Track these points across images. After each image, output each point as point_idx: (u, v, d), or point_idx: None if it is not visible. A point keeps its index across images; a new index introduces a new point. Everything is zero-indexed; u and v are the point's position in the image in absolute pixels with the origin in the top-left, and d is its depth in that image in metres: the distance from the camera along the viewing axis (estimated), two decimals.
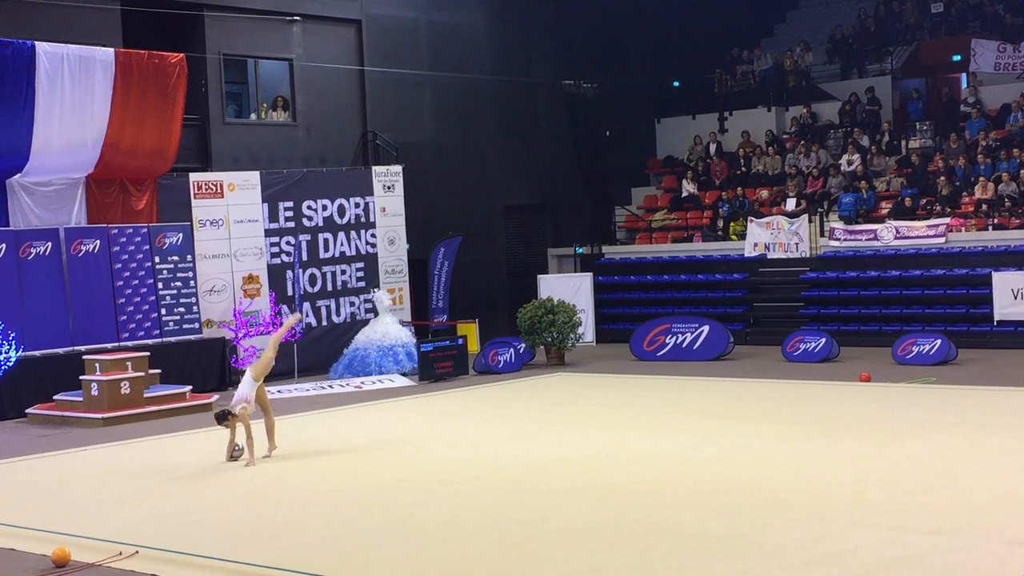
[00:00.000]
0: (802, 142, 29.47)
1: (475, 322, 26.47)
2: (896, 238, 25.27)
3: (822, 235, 26.47)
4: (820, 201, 27.31)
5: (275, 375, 22.72)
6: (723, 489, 11.82)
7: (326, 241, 24.75)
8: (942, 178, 26.10)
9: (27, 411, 19.38)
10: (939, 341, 21.32)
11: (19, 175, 20.37)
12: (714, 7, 33.14)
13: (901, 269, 24.82)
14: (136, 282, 21.53)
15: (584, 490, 12.14)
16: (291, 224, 24.13)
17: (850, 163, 27.92)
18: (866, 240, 25.69)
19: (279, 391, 21.31)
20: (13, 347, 18.65)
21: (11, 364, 18.63)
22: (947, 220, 24.92)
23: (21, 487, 13.91)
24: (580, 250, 29.99)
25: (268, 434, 14.85)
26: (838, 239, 26.03)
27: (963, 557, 9.11)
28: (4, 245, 19.95)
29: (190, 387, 20.02)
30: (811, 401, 17.70)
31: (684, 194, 30.30)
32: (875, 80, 30.38)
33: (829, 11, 35.09)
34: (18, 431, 18.39)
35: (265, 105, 25.70)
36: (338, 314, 24.87)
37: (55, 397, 19.44)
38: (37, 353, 19.96)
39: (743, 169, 30.19)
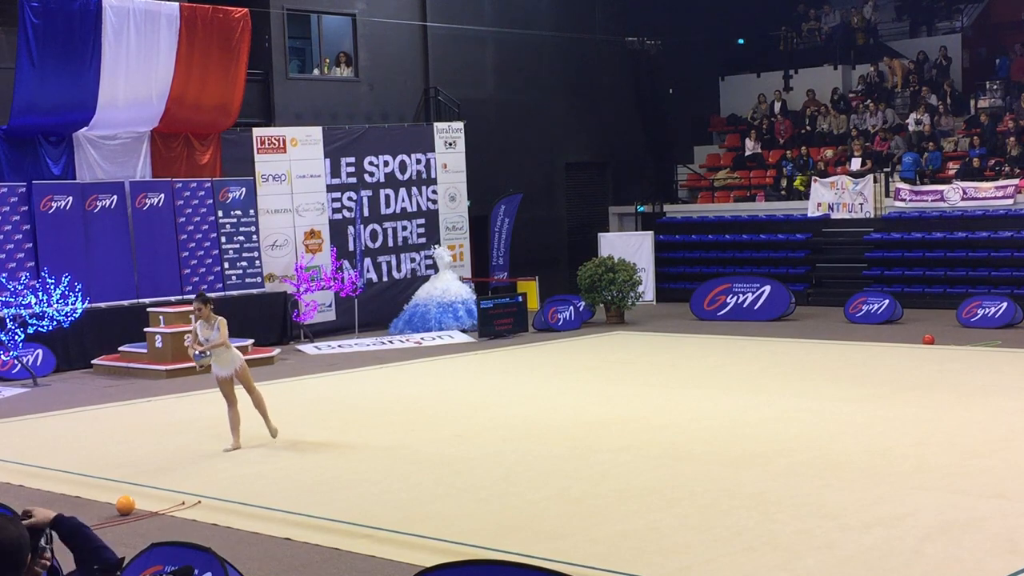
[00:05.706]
0: (868, 101, 29.06)
1: (535, 280, 26.45)
2: (963, 199, 24.87)
3: (887, 195, 26.11)
4: (885, 161, 26.94)
5: (336, 330, 23.03)
6: (782, 450, 11.76)
7: (387, 197, 24.81)
8: (1012, 139, 25.63)
9: (93, 362, 19.71)
10: (1005, 304, 21.04)
11: (86, 128, 20.57)
12: None
13: (968, 231, 24.45)
14: (200, 236, 21.73)
15: (642, 449, 12.12)
16: (353, 180, 24.19)
17: (918, 122, 27.47)
18: (932, 201, 25.32)
19: (339, 345, 21.48)
20: (79, 298, 18.89)
21: (77, 315, 18.88)
22: (1016, 181, 24.48)
23: (87, 437, 14.15)
24: (641, 208, 29.83)
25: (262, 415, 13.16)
26: (903, 200, 25.67)
27: None
28: (71, 198, 20.20)
29: (252, 340, 20.16)
30: (873, 363, 17.52)
31: (747, 153, 30.04)
32: (945, 38, 29.84)
33: None
34: (84, 381, 18.70)
35: (328, 61, 25.72)
36: (398, 270, 24.96)
37: (120, 348, 19.72)
38: (103, 305, 20.26)
39: (808, 128, 29.85)
